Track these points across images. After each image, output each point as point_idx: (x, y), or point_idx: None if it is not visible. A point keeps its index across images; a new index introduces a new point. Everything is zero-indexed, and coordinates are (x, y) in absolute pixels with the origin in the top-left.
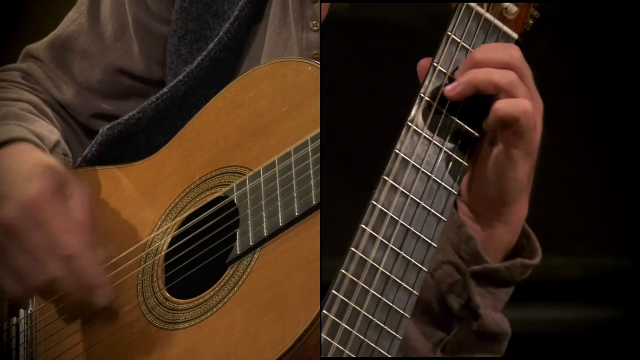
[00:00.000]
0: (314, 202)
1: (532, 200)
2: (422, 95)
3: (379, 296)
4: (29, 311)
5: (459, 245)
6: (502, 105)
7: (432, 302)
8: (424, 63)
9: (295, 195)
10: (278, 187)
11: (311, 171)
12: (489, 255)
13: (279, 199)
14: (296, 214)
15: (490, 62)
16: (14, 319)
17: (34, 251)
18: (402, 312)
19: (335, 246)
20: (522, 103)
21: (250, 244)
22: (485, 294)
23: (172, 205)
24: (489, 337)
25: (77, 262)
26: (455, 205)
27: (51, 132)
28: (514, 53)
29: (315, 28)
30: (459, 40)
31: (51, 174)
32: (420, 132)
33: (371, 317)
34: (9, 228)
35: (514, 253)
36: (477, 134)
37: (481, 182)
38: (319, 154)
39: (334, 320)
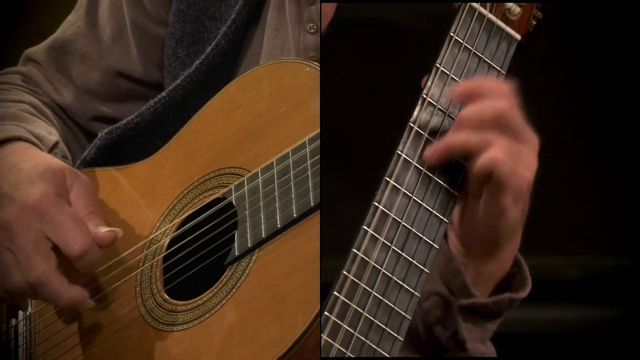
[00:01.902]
0: (312, 204)
1: (532, 199)
2: (424, 96)
3: (381, 298)
4: (27, 313)
5: (448, 278)
6: (474, 164)
7: (419, 330)
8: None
9: (293, 196)
10: (276, 188)
11: (309, 172)
12: (478, 287)
13: (277, 200)
14: (294, 215)
15: (476, 121)
16: (13, 320)
17: (22, 250)
18: (404, 314)
19: (333, 247)
20: (490, 153)
21: (249, 245)
22: (472, 327)
23: (171, 206)
24: None
25: (83, 260)
26: (445, 235)
27: (50, 133)
28: (501, 107)
29: (312, 30)
30: (461, 41)
31: (52, 174)
32: (423, 133)
33: (373, 318)
34: (7, 227)
35: (504, 283)
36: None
37: (472, 223)
38: (317, 156)
39: (335, 321)
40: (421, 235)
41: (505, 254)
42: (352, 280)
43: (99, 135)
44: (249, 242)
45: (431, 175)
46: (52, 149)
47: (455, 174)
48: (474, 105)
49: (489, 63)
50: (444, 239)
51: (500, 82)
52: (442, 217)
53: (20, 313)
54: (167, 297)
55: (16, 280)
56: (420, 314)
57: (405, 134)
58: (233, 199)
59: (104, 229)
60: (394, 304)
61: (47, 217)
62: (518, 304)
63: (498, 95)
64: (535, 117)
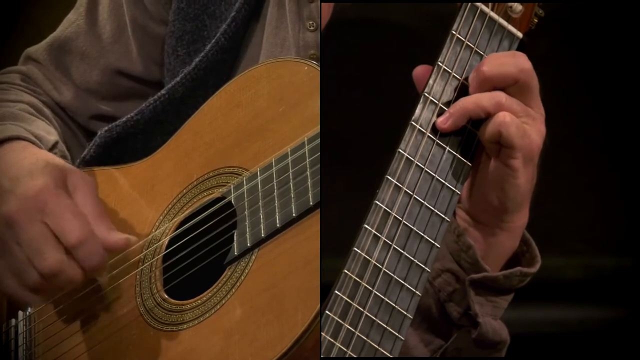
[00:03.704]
0: (311, 203)
1: (532, 200)
2: (426, 94)
3: (382, 297)
4: (27, 313)
5: (458, 254)
6: (483, 129)
7: (431, 309)
8: (418, 72)
9: (292, 196)
10: (275, 187)
11: (308, 172)
12: (489, 263)
13: (276, 199)
14: (294, 214)
15: (499, 77)
16: (13, 320)
17: (30, 244)
18: (405, 313)
19: (333, 246)
20: (498, 117)
21: (248, 245)
22: (485, 302)
23: (170, 206)
24: (487, 345)
25: (82, 250)
26: (454, 212)
27: (49, 133)
28: (522, 65)
29: (312, 28)
30: (463, 39)
31: (52, 169)
32: (424, 131)
33: (374, 317)
34: (10, 222)
35: (513, 260)
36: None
37: (482, 190)
38: (316, 155)
39: (336, 320)
40: (422, 234)
41: (514, 224)
42: (354, 279)
43: (99, 133)
44: (248, 241)
45: (433, 174)
46: (51, 149)
47: (456, 172)
48: (496, 61)
49: None
50: (452, 215)
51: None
52: (443, 216)
53: (20, 313)
54: (166, 296)
55: (30, 274)
56: (432, 292)
57: (406, 132)
58: (232, 198)
59: (118, 235)
60: (395, 303)
61: (47, 208)
62: (528, 280)
63: (521, 57)
64: None
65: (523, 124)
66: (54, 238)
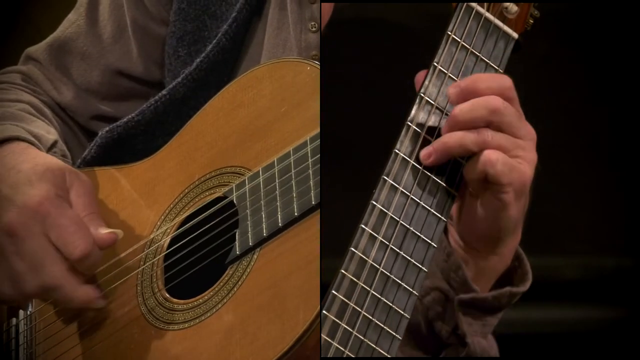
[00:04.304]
0: (313, 203)
1: (533, 200)
2: (422, 95)
3: (379, 296)
4: (28, 312)
5: (447, 273)
6: (467, 168)
7: (420, 326)
8: (420, 77)
9: (294, 195)
10: (277, 187)
11: (310, 171)
12: (479, 282)
13: (278, 199)
14: (295, 214)
15: (470, 122)
16: (14, 319)
17: (32, 256)
18: (402, 313)
19: (334, 246)
20: (483, 156)
21: (250, 244)
22: (473, 321)
23: (172, 205)
24: None
25: (85, 263)
26: (444, 229)
27: (49, 133)
28: (494, 105)
29: (314, 29)
30: (459, 40)
31: (52, 175)
32: (420, 132)
33: (371, 317)
34: (11, 232)
35: (504, 276)
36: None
37: (472, 219)
38: (318, 154)
39: (334, 320)
40: (419, 234)
41: (506, 248)
42: (351, 279)
43: (100, 133)
44: (250, 240)
45: (429, 174)
46: (50, 148)
47: (453, 172)
48: (467, 103)
49: (486, 62)
50: (443, 233)
51: (497, 77)
52: (440, 216)
53: (21, 312)
54: (168, 296)
55: (30, 285)
56: (421, 310)
57: (402, 133)
58: (234, 197)
59: (104, 231)
60: (392, 303)
61: (49, 220)
62: (518, 298)
63: (492, 91)
64: (535, 117)
65: (512, 159)
66: (55, 251)
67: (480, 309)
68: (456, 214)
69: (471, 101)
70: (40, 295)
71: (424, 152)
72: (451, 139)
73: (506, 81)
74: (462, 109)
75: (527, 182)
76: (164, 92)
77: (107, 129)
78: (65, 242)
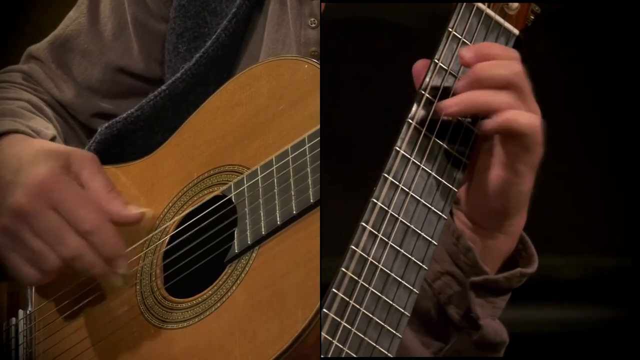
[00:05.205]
0: (311, 201)
1: (533, 200)
2: (422, 92)
3: (379, 294)
4: (28, 311)
5: (457, 256)
6: (486, 122)
7: (431, 312)
8: (418, 66)
9: (293, 193)
10: (276, 185)
11: (309, 169)
12: (487, 264)
13: (276, 197)
14: (294, 212)
15: (492, 79)
16: (13, 319)
17: (48, 232)
18: (403, 311)
19: (333, 245)
20: (535, 119)
21: (249, 242)
22: (485, 303)
23: (170, 204)
24: (488, 346)
25: (97, 236)
26: (451, 214)
27: (47, 128)
28: (515, 69)
29: (313, 25)
30: (459, 37)
31: (55, 155)
32: (421, 129)
33: (371, 315)
34: (21, 213)
35: (511, 260)
36: (477, 131)
37: (482, 195)
38: (316, 152)
39: (334, 318)
40: (419, 232)
41: (513, 227)
42: (350, 277)
43: (99, 129)
44: (248, 239)
45: (429, 171)
46: None
47: (453, 169)
48: (489, 62)
49: None
50: (450, 217)
51: (509, 49)
52: (440, 213)
53: (21, 312)
54: (167, 294)
55: (52, 261)
56: (431, 295)
57: (403, 130)
58: (232, 196)
59: (132, 210)
60: (392, 301)
61: (55, 195)
62: (526, 279)
63: (510, 57)
64: None
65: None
66: (67, 225)
67: (491, 291)
68: (463, 194)
69: (494, 61)
70: (62, 269)
71: (447, 102)
72: (479, 96)
73: (515, 54)
74: (485, 69)
75: (541, 150)
76: (163, 87)
77: (106, 125)
78: (75, 217)
